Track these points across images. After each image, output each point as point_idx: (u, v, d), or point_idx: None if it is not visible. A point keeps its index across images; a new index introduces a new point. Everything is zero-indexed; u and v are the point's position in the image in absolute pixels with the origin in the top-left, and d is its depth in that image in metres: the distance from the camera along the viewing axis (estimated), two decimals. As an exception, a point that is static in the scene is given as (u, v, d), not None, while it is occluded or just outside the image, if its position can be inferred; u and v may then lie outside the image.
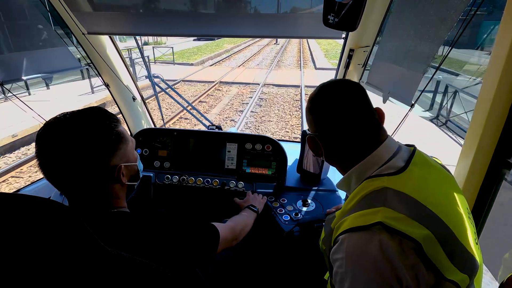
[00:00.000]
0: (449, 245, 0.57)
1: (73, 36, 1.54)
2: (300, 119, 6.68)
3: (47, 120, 0.68)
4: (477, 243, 0.66)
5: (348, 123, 0.70)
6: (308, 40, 23.60)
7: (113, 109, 6.12)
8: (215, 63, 15.54)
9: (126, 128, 2.16)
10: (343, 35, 1.43)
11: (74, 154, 0.64)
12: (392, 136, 0.75)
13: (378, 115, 0.73)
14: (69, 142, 0.63)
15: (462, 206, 0.65)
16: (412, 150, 0.72)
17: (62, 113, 0.68)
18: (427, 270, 0.55)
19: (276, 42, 23.83)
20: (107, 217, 0.67)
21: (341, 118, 0.70)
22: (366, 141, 0.70)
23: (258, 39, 24.81)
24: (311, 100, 0.76)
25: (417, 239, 0.55)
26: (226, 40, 24.15)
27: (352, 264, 0.58)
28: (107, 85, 1.89)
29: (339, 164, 0.78)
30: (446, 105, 6.62)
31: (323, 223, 1.26)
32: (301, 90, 9.01)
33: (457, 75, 9.71)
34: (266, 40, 25.19)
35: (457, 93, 6.46)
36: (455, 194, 0.66)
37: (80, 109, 0.70)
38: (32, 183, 1.61)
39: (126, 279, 0.53)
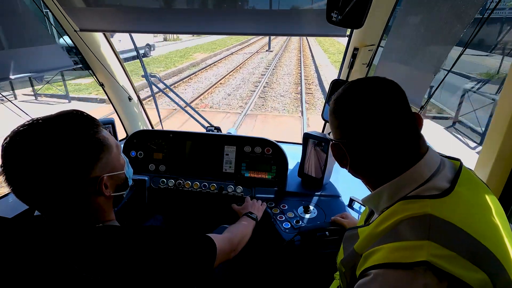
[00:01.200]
0: None
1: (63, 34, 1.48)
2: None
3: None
4: None
5: (384, 129, 0.58)
6: (312, 46, 21.62)
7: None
8: (150, 96, 6.68)
9: (122, 129, 2.10)
10: (347, 33, 1.36)
11: (46, 167, 0.56)
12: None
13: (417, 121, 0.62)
14: (40, 153, 0.55)
15: (509, 237, 0.55)
16: (458, 166, 0.60)
17: (32, 119, 0.59)
18: None
19: (269, 48, 19.86)
20: (90, 235, 0.60)
21: (375, 123, 0.58)
22: (404, 153, 0.59)
23: (245, 44, 23.18)
24: (337, 100, 0.63)
25: (471, 284, 0.46)
26: (198, 47, 19.29)
27: None
28: (101, 85, 1.83)
29: (367, 178, 0.67)
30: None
31: (326, 232, 1.20)
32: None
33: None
34: (255, 47, 22.07)
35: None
36: (503, 221, 0.56)
37: (54, 113, 0.62)
38: None
39: None
